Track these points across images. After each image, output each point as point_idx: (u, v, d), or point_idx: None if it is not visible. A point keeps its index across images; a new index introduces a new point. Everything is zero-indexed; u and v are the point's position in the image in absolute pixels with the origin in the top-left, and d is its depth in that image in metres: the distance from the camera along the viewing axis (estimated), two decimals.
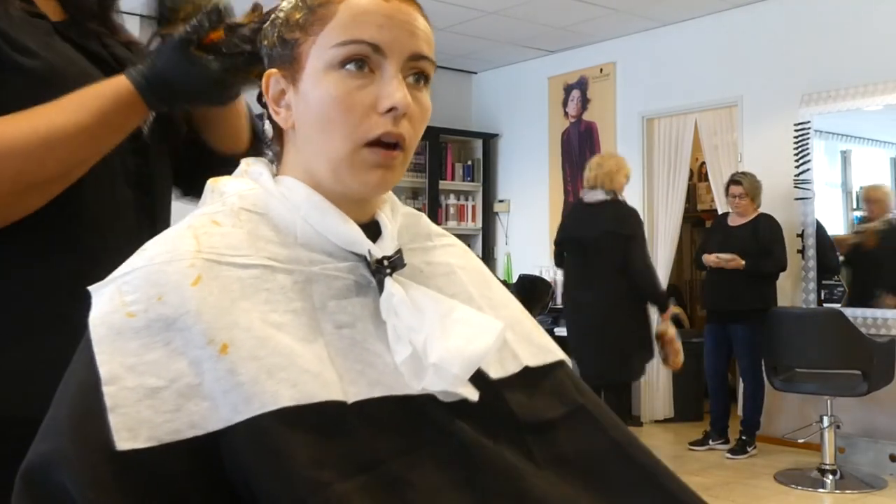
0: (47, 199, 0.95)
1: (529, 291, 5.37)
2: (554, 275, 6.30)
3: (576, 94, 6.45)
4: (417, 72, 0.83)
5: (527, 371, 0.87)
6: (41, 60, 0.96)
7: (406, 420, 0.76)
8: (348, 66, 0.80)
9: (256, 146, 1.16)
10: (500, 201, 7.00)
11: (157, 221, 1.09)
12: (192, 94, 0.97)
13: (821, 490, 4.29)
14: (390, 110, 0.80)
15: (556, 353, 0.93)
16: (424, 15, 0.85)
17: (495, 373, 0.84)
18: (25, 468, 0.69)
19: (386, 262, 0.82)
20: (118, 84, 0.96)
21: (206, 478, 0.69)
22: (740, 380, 5.03)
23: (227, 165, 0.94)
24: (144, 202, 1.07)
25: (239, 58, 0.94)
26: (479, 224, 7.02)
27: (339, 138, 0.80)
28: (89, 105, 0.94)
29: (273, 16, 0.87)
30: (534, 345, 0.91)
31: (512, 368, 0.86)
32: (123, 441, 0.67)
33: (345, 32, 0.80)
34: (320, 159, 0.82)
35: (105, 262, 0.81)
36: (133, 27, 1.17)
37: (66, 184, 0.96)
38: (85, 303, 0.75)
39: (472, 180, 7.05)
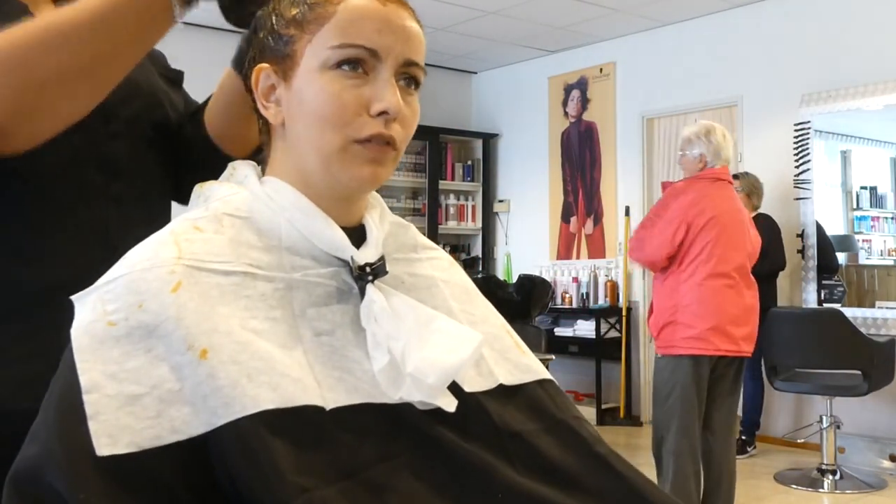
0: (76, 107, 0.90)
1: (529, 291, 5.35)
2: (553, 275, 6.31)
3: (576, 94, 6.45)
4: (409, 76, 0.85)
5: (501, 388, 0.86)
6: None
7: (386, 426, 0.76)
8: (344, 67, 0.81)
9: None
10: (500, 201, 7.00)
11: (133, 211, 1.05)
12: None
13: (820, 490, 4.29)
14: (382, 113, 0.81)
15: (537, 373, 0.91)
16: (417, 18, 0.86)
17: (470, 387, 0.83)
18: (14, 472, 0.70)
19: (368, 269, 0.82)
20: None
21: (198, 479, 0.70)
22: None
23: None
24: (117, 189, 1.04)
25: None
26: (479, 224, 7.02)
27: (331, 133, 0.81)
28: None
29: (271, 5, 0.86)
30: (511, 363, 0.90)
31: (487, 385, 0.85)
32: (103, 447, 0.68)
33: (343, 35, 0.81)
34: (312, 154, 0.83)
35: (65, 246, 0.79)
36: None
37: (95, 82, 0.90)
38: (44, 285, 0.76)
39: (472, 180, 7.05)
